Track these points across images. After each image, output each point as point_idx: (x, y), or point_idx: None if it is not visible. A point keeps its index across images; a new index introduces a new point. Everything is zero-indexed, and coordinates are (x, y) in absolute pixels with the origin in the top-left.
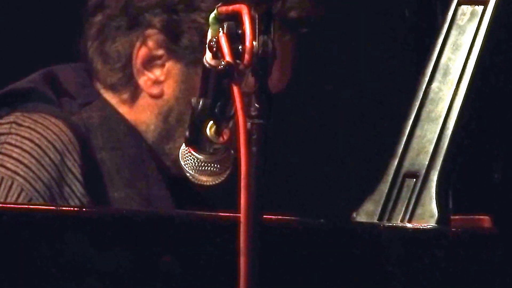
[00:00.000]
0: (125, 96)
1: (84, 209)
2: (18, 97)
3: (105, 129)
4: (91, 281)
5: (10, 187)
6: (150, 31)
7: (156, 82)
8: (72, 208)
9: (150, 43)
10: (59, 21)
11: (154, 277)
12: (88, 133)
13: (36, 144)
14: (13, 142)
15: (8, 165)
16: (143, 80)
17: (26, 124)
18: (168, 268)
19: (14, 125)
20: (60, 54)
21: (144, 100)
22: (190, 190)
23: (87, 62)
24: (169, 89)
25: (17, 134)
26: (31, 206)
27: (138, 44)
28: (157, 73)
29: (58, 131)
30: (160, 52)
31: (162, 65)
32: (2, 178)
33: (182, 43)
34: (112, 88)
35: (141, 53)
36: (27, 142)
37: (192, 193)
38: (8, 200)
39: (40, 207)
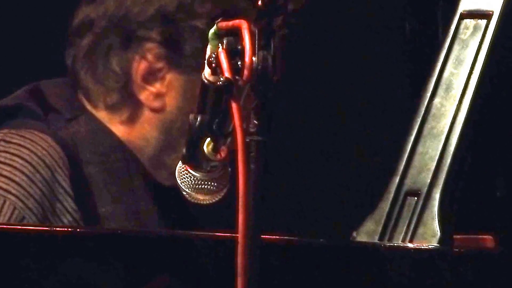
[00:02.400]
0: (126, 115)
1: (81, 229)
2: (4, 114)
3: (92, 143)
4: None
5: (2, 206)
6: (149, 45)
7: (158, 95)
8: (67, 228)
9: (150, 56)
10: (43, 36)
11: None
12: (75, 148)
13: (26, 161)
14: (2, 160)
15: (0, 183)
16: (145, 95)
17: (15, 141)
18: None
19: (2, 143)
20: (44, 70)
21: (145, 116)
22: (182, 202)
23: (74, 79)
24: (172, 100)
25: (6, 152)
26: (22, 227)
27: (137, 59)
28: (159, 86)
29: (47, 146)
30: (160, 64)
31: (163, 78)
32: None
33: (183, 52)
34: (110, 108)
35: (141, 68)
36: (16, 159)
37: (184, 206)
38: (1, 219)
39: (32, 227)
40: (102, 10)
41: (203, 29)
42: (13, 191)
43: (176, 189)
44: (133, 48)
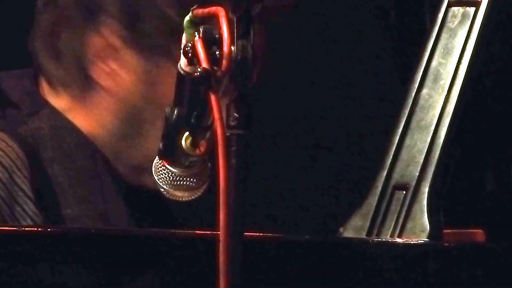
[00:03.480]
0: (76, 92)
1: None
2: None
3: (55, 140)
4: None
5: None
6: (106, 20)
7: (111, 74)
8: (35, 228)
9: (105, 31)
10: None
11: None
12: (37, 145)
13: None
14: None
15: None
16: (97, 72)
17: None
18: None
19: None
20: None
21: (100, 97)
22: (149, 200)
23: (36, 66)
24: (128, 83)
25: None
26: None
27: (91, 33)
28: (112, 64)
29: (4, 146)
30: (116, 41)
31: (118, 56)
32: None
33: (144, 31)
34: (71, 93)
35: (95, 42)
36: None
37: (153, 205)
38: None
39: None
40: None
41: (162, 8)
42: None
43: (143, 188)
44: (91, 22)
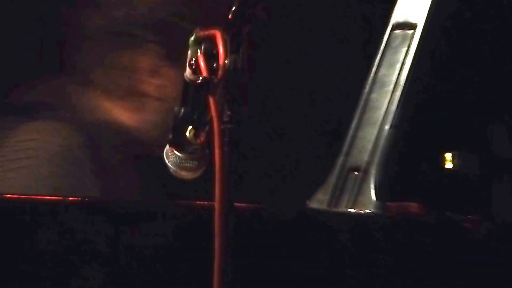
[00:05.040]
0: (132, 105)
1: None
2: (28, 109)
3: (111, 137)
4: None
5: (52, 182)
6: (150, 45)
7: (159, 87)
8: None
9: (151, 54)
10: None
11: (134, 261)
12: (90, 133)
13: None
14: (41, 145)
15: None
16: (148, 87)
17: (48, 129)
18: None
19: (34, 134)
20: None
21: (151, 105)
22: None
23: (86, 76)
24: (169, 91)
25: (37, 140)
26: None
27: (141, 57)
28: (158, 79)
29: (72, 130)
30: (159, 61)
31: (162, 72)
32: (46, 177)
33: (177, 50)
34: (118, 99)
35: (145, 64)
36: (48, 146)
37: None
38: (41, 190)
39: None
40: (112, 16)
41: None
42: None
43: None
44: (138, 48)
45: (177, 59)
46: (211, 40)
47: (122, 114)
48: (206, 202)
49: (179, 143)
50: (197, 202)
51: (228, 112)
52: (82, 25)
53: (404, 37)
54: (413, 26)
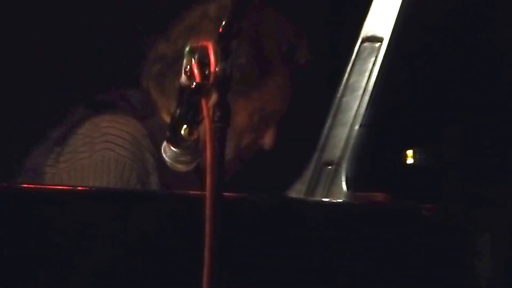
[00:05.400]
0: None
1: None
2: (103, 105)
3: (161, 136)
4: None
5: (124, 168)
6: (185, 68)
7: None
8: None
9: (186, 76)
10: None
11: (138, 242)
12: (151, 134)
13: (130, 135)
14: (115, 133)
15: (118, 151)
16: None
17: (120, 122)
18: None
19: (112, 122)
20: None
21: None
22: None
23: (148, 94)
24: None
25: (115, 128)
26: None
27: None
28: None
29: (139, 128)
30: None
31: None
32: (117, 160)
33: None
34: (169, 112)
35: (181, 84)
36: (124, 134)
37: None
38: (124, 179)
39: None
40: (174, 46)
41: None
42: (130, 160)
43: None
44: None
45: None
46: (204, 51)
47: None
48: (198, 192)
49: (175, 140)
50: (191, 191)
51: (218, 113)
52: (149, 54)
53: (372, 49)
54: (380, 40)
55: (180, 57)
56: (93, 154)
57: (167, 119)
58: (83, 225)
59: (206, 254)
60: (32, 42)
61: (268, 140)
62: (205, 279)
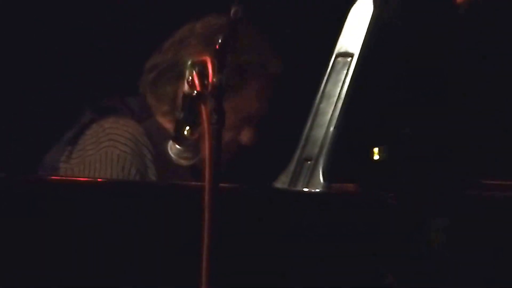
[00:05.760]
0: (170, 117)
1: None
2: (106, 110)
3: (162, 139)
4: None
5: (125, 162)
6: (188, 79)
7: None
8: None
9: (188, 85)
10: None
11: (139, 236)
12: (149, 135)
13: (130, 135)
14: (117, 132)
15: (120, 147)
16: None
17: (120, 123)
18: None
19: (114, 124)
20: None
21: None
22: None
23: (144, 98)
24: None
25: (117, 128)
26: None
27: (181, 86)
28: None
29: (137, 128)
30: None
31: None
32: (118, 155)
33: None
34: (162, 114)
35: (184, 92)
36: (125, 133)
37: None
38: (125, 171)
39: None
40: (166, 58)
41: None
42: (130, 155)
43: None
44: (178, 80)
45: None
46: (203, 64)
47: (166, 124)
48: (198, 183)
49: (179, 139)
50: (190, 182)
51: (215, 116)
52: (146, 64)
53: (344, 63)
54: (351, 55)
55: (171, 66)
56: (99, 151)
57: (161, 120)
58: (98, 210)
59: (205, 235)
60: (54, 64)
61: (244, 138)
62: (204, 257)
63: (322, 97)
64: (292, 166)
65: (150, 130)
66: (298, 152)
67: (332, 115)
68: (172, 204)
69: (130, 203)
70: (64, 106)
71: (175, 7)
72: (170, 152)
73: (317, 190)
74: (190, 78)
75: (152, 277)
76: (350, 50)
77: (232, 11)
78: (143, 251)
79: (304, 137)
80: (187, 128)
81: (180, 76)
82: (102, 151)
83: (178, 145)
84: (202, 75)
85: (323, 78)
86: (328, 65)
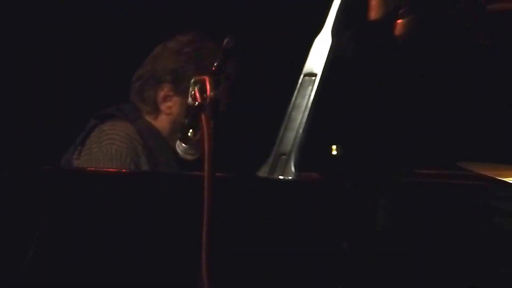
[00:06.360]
0: (154, 116)
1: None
2: (105, 116)
3: (149, 133)
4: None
5: (121, 154)
6: (165, 84)
7: (169, 107)
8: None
9: (166, 89)
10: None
11: (142, 225)
12: (142, 135)
13: (126, 135)
14: (113, 133)
15: (117, 144)
16: (163, 107)
17: (118, 125)
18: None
19: (112, 127)
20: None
21: (163, 116)
22: (182, 160)
23: (132, 103)
24: (175, 110)
25: (114, 129)
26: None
27: (159, 90)
28: (169, 103)
29: (133, 129)
30: (170, 92)
31: (171, 99)
32: (116, 150)
33: (182, 87)
34: (148, 113)
35: (162, 94)
36: (121, 133)
37: (183, 161)
38: (123, 161)
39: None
40: (146, 69)
41: (192, 74)
42: (125, 148)
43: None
44: (158, 85)
45: (181, 91)
46: (203, 81)
47: (152, 122)
48: (199, 173)
49: (185, 139)
50: (193, 172)
51: (212, 122)
52: (134, 76)
53: (310, 81)
54: (315, 75)
55: (150, 76)
56: (101, 148)
57: (148, 118)
58: (102, 194)
59: (205, 217)
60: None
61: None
62: (204, 239)
63: (293, 107)
64: (271, 160)
65: (140, 128)
66: (275, 148)
67: (300, 121)
68: (179, 190)
69: (129, 188)
70: (77, 117)
71: (152, 33)
72: (178, 150)
73: (290, 178)
74: (193, 92)
75: (151, 254)
76: (315, 71)
77: (225, 41)
78: (152, 231)
79: (280, 137)
80: (191, 131)
81: (158, 83)
82: (103, 148)
83: (184, 144)
84: (202, 90)
85: (294, 92)
86: (298, 82)
